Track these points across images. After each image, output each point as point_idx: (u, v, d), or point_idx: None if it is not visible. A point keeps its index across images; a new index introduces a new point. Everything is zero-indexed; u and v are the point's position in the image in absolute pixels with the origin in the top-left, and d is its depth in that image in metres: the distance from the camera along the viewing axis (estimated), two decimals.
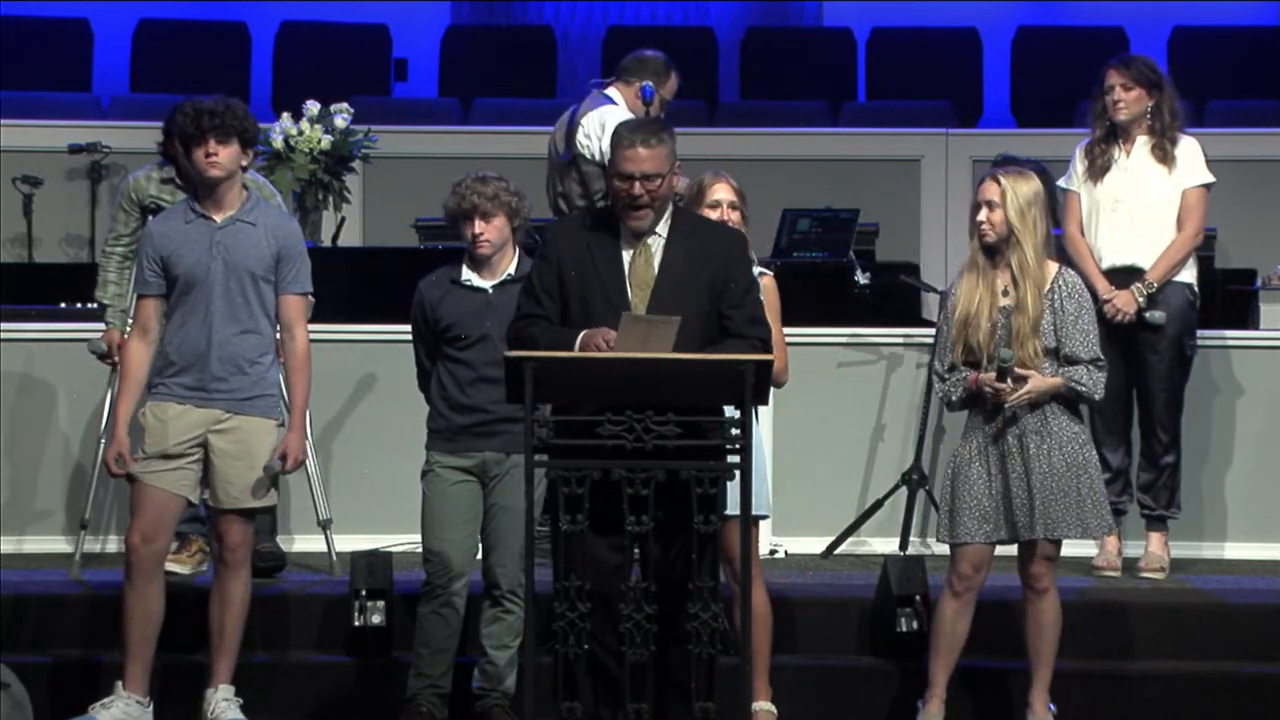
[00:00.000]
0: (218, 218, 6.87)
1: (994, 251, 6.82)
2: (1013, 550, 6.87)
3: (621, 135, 6.19)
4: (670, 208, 6.23)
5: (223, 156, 6.82)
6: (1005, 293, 6.79)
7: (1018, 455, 6.74)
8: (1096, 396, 6.83)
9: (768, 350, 6.14)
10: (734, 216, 6.83)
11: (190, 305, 6.84)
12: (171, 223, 6.95)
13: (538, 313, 6.17)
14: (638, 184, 6.10)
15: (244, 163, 6.90)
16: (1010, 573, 6.98)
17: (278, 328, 6.92)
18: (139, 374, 6.86)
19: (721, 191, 6.87)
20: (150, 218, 7.72)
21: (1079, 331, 6.78)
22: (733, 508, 6.69)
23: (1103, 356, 6.83)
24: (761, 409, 6.78)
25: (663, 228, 6.18)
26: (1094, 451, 6.87)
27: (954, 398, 6.82)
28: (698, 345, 6.04)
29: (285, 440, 6.86)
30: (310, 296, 6.97)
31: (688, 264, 6.13)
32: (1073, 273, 6.92)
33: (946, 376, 6.84)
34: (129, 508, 6.93)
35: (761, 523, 7.01)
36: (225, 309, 6.82)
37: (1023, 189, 6.79)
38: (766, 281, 6.93)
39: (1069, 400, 6.80)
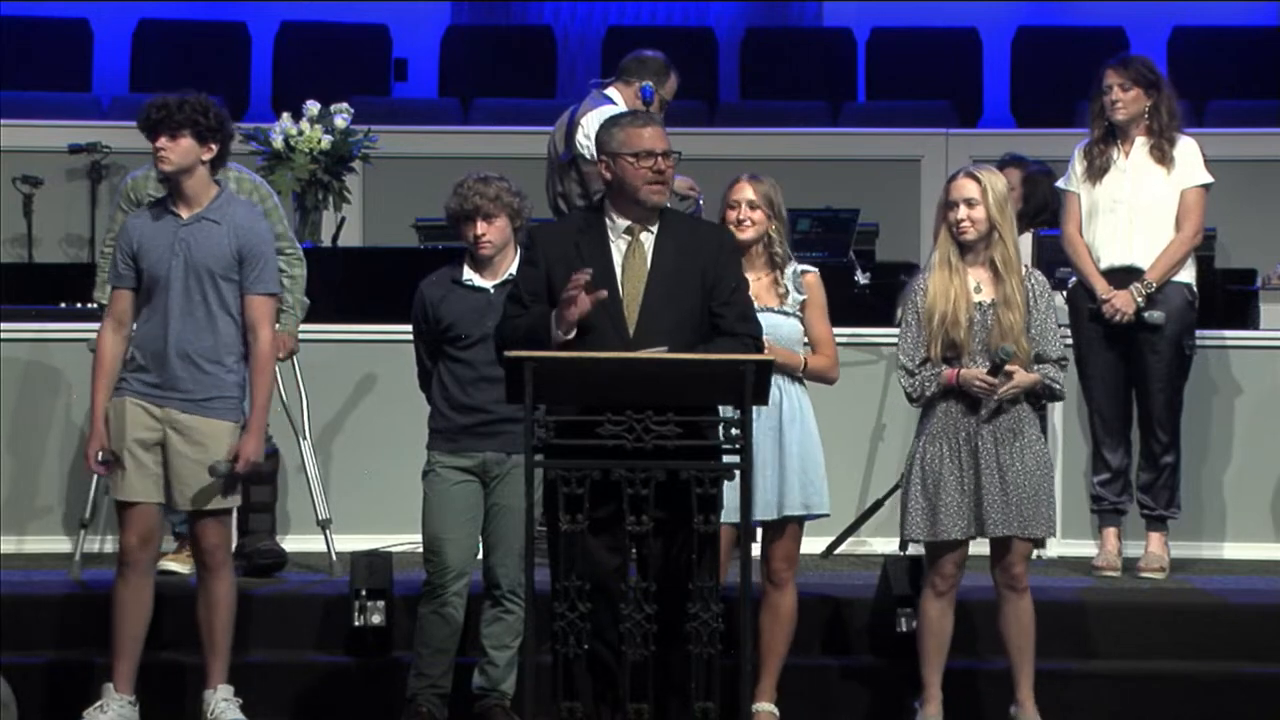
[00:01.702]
0: (184, 214, 6.84)
1: (966, 249, 6.83)
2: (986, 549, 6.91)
3: (622, 120, 6.23)
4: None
5: (171, 151, 6.77)
6: (978, 289, 6.81)
7: (992, 453, 6.76)
8: (1063, 396, 6.98)
9: (759, 347, 6.18)
10: (754, 215, 6.83)
11: (153, 302, 6.80)
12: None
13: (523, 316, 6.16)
14: (660, 159, 6.11)
15: (205, 156, 6.80)
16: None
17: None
18: (113, 365, 6.82)
19: (741, 191, 6.86)
20: None
21: (1049, 331, 6.83)
22: (787, 509, 6.73)
23: (1067, 356, 6.90)
24: (804, 403, 6.80)
25: (652, 225, 6.18)
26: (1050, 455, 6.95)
27: (928, 392, 6.81)
28: (688, 344, 6.04)
29: (241, 441, 6.80)
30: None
31: (678, 261, 6.12)
32: (1040, 273, 6.97)
33: (917, 371, 6.84)
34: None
35: (808, 522, 7.00)
36: (184, 307, 6.76)
37: (999, 185, 6.85)
38: (811, 279, 6.95)
39: (1035, 401, 6.86)
